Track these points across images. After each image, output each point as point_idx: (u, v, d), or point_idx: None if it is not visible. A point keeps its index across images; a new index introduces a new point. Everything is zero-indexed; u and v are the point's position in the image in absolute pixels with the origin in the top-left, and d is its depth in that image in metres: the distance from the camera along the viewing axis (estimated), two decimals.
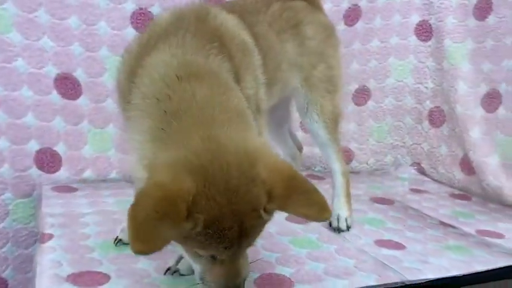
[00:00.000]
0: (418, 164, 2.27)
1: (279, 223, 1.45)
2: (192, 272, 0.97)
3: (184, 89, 0.88)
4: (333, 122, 1.47)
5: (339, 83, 1.50)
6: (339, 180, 1.49)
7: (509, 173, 1.85)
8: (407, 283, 1.16)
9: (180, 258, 1.09)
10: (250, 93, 1.06)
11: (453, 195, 1.96)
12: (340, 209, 1.46)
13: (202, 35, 0.99)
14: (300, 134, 1.96)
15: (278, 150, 1.72)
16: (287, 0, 1.44)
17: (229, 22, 1.12)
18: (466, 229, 1.54)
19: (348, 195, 1.50)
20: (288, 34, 1.38)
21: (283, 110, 1.66)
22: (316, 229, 1.43)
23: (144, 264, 1.14)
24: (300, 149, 1.74)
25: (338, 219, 1.44)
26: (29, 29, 1.62)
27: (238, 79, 1.02)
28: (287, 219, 1.49)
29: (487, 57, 1.93)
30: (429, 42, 2.15)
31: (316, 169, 2.19)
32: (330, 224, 1.45)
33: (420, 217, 1.63)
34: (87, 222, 1.36)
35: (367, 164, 2.27)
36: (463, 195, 1.97)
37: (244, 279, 0.91)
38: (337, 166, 1.50)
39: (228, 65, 0.99)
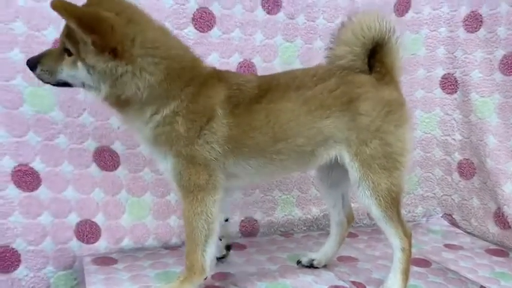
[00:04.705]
0: (450, 215, 2.26)
1: None
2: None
3: None
4: (389, 200, 1.41)
5: (401, 161, 1.43)
6: (398, 255, 1.45)
7: None
8: None
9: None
10: None
11: (489, 251, 1.94)
12: (393, 285, 1.44)
13: None
14: None
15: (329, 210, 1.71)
16: (348, 75, 1.43)
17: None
18: None
19: (406, 272, 1.45)
20: (333, 110, 1.40)
21: (341, 174, 1.55)
22: None
23: None
24: (349, 219, 1.69)
25: None
26: (71, 107, 1.68)
27: None
28: None
29: None
30: (455, 95, 2.17)
31: None
32: None
33: (460, 282, 1.62)
34: None
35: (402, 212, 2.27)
36: (500, 250, 1.95)
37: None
38: (396, 242, 1.44)
39: None
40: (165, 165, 1.37)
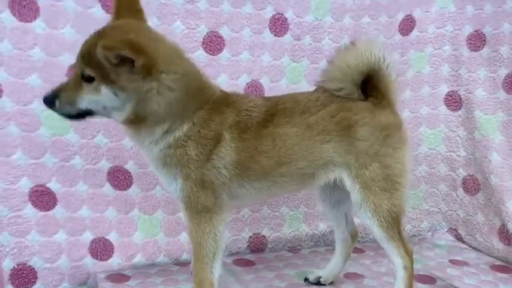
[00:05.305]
0: (455, 230, 2.29)
1: None
2: None
3: None
4: (390, 220, 1.47)
5: (400, 182, 1.48)
6: (400, 274, 1.50)
7: None
8: None
9: None
10: None
11: (494, 268, 1.97)
12: None
13: None
14: None
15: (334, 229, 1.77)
16: (348, 101, 1.47)
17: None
18: None
19: None
20: (333, 135, 1.45)
21: (343, 195, 1.60)
22: None
23: None
24: (353, 236, 1.74)
25: None
26: (85, 129, 1.74)
27: None
28: None
29: None
30: (459, 112, 2.21)
31: None
32: None
33: None
34: None
35: (403, 230, 2.30)
36: (504, 266, 1.98)
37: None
38: (398, 260, 1.50)
39: None
40: (174, 187, 1.41)
